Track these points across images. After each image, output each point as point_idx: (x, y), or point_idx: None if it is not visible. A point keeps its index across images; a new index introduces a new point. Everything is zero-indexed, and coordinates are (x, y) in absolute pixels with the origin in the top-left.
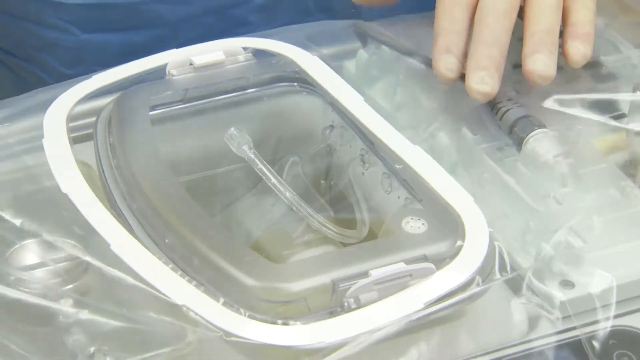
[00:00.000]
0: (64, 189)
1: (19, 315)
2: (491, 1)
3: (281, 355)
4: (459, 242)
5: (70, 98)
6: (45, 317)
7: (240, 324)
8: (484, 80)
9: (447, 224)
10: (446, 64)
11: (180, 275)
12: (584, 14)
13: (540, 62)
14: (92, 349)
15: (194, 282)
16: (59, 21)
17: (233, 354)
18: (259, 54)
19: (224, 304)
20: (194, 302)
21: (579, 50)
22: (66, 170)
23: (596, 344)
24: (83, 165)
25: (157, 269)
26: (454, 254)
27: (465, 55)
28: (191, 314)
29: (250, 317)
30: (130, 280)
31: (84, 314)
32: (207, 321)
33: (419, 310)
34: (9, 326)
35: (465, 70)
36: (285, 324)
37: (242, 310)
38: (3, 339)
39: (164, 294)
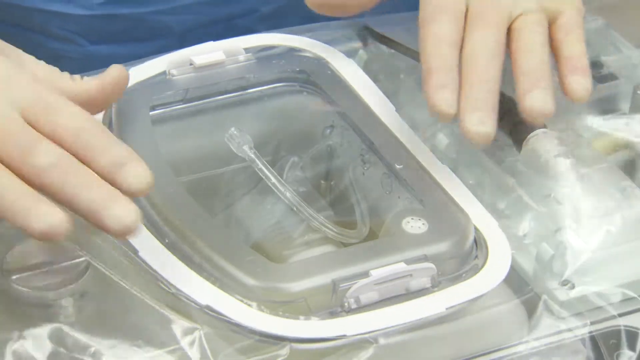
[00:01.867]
0: None
1: (19, 315)
2: (480, 40)
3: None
4: (479, 259)
5: None
6: (45, 317)
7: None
8: (482, 121)
9: (448, 224)
10: (446, 100)
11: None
12: (578, 47)
13: (538, 99)
14: (92, 349)
15: (217, 284)
16: (65, 32)
17: (233, 354)
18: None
19: (251, 304)
20: (218, 303)
21: (581, 85)
22: None
23: (597, 344)
24: None
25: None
26: (478, 266)
27: (458, 93)
28: (215, 315)
29: (282, 315)
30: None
31: (85, 314)
32: (234, 322)
33: (440, 313)
34: (10, 326)
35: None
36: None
37: (264, 308)
38: (3, 339)
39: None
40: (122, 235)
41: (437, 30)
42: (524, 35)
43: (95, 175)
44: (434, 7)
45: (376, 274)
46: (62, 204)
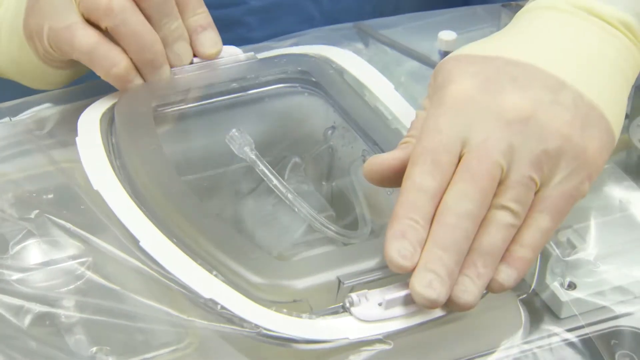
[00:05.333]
0: (95, 186)
1: (21, 315)
2: (455, 198)
3: (285, 353)
4: None
5: (104, 101)
6: (46, 317)
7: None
8: (431, 285)
9: None
10: (399, 251)
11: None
12: (530, 234)
13: (460, 287)
14: (93, 349)
15: (221, 278)
16: None
17: (233, 354)
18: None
19: (254, 300)
20: (222, 297)
21: (499, 276)
22: (98, 169)
23: (598, 345)
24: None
25: (186, 265)
26: None
27: (422, 246)
28: (219, 308)
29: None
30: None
31: (86, 314)
32: (238, 316)
33: (441, 316)
34: (11, 326)
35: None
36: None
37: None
38: (4, 339)
39: (192, 289)
40: None
41: (418, 178)
42: (493, 209)
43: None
44: (424, 148)
45: (386, 296)
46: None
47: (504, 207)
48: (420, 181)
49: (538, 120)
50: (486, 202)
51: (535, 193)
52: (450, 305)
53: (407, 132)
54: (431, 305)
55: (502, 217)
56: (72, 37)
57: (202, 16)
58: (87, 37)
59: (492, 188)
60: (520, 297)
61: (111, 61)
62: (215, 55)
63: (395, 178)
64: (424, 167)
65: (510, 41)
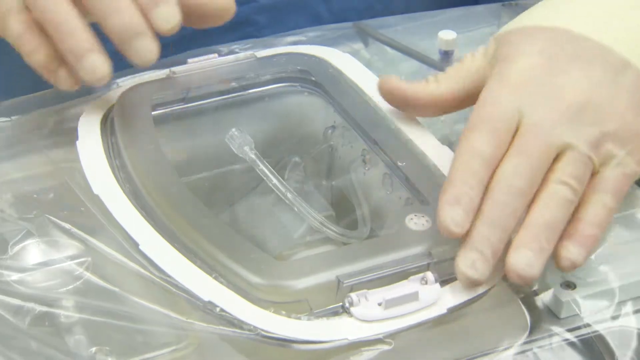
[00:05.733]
0: (95, 191)
1: (20, 315)
2: (509, 172)
3: (286, 354)
4: None
5: (104, 103)
6: (46, 318)
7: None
8: (474, 265)
9: None
10: (452, 218)
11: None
12: (595, 212)
13: (523, 259)
14: (93, 350)
15: (221, 280)
16: None
17: (233, 355)
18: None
19: (253, 301)
20: (221, 299)
21: (570, 254)
22: (98, 172)
23: (598, 345)
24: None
25: (185, 267)
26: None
27: (475, 213)
28: (217, 310)
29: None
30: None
31: (85, 315)
32: (237, 318)
33: (442, 315)
34: (10, 327)
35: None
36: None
37: (266, 306)
38: (4, 339)
39: (191, 292)
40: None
41: (477, 143)
42: (551, 183)
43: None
44: (484, 116)
45: (386, 295)
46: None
47: (564, 183)
48: (479, 147)
49: (597, 102)
50: (537, 180)
51: (592, 175)
52: (514, 279)
53: (453, 68)
54: (473, 284)
55: (562, 193)
56: (6, 21)
57: None
58: (18, 23)
59: (545, 167)
60: (521, 297)
61: (33, 48)
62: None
63: (403, 103)
64: (483, 134)
65: (578, 11)
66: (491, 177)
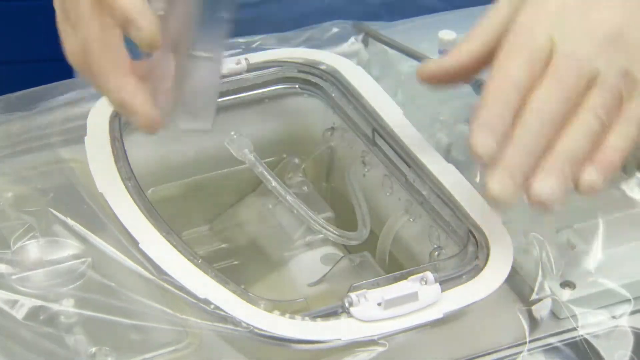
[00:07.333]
0: (100, 189)
1: (20, 314)
2: (542, 99)
3: (284, 354)
4: (480, 260)
5: None
6: (46, 317)
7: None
8: (503, 186)
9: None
10: (484, 141)
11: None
12: (617, 140)
13: (547, 187)
14: (93, 349)
15: (219, 279)
16: None
17: (233, 355)
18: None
19: (251, 300)
20: (217, 297)
21: (591, 177)
22: (104, 170)
23: (598, 345)
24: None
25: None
26: (479, 267)
27: (505, 137)
28: (212, 308)
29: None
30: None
31: (86, 314)
32: (232, 316)
33: (438, 319)
34: (11, 326)
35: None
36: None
37: (268, 307)
38: (5, 339)
39: (188, 290)
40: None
41: (512, 70)
42: (582, 113)
43: None
44: (518, 44)
45: (386, 295)
46: None
47: (593, 113)
48: (513, 74)
49: (628, 36)
50: (568, 108)
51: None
52: (537, 204)
53: (480, 24)
54: (503, 201)
55: (590, 122)
56: None
57: None
58: None
59: (576, 96)
60: (520, 297)
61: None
62: None
63: (448, 78)
64: (518, 60)
65: None
66: (523, 103)
